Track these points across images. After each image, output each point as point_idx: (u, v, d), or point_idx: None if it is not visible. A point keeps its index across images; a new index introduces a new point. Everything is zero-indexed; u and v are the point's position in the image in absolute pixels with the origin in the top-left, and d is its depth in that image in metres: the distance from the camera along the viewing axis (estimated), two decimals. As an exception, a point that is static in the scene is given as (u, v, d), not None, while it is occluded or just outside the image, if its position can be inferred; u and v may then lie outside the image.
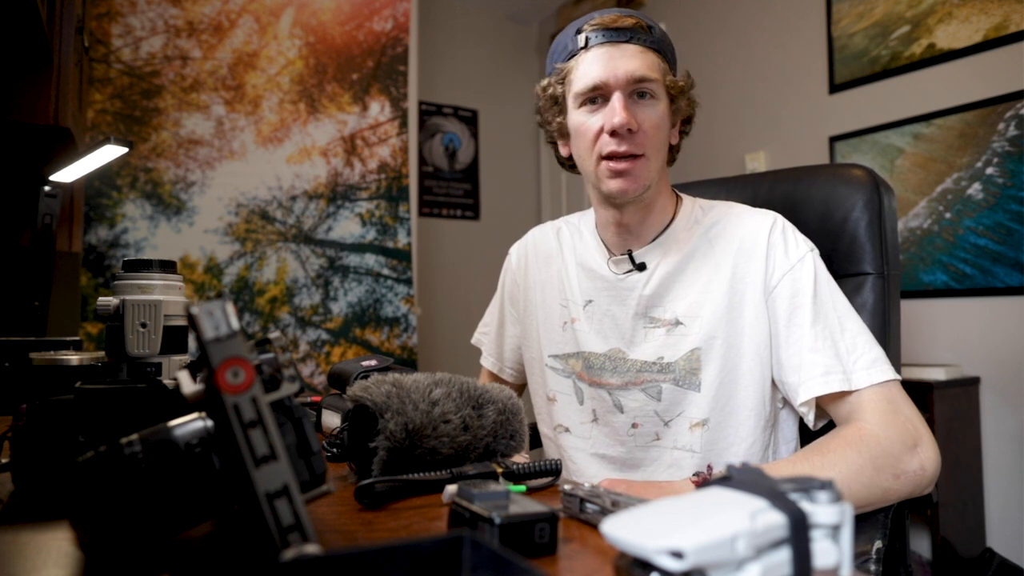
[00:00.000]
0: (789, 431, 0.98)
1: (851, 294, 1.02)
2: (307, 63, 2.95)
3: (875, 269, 1.02)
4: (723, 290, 0.94)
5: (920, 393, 2.18)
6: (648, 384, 0.97)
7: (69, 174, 1.68)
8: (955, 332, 2.37)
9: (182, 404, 0.48)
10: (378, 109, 3.08)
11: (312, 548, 0.40)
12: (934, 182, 2.42)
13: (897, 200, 1.09)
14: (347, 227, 2.99)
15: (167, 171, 2.68)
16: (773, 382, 0.93)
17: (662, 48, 0.95)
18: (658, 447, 0.97)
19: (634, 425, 0.98)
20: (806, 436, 0.95)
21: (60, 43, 1.64)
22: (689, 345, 0.94)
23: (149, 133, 2.66)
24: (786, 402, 0.95)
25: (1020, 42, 2.22)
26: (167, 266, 0.77)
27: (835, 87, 2.74)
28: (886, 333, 1.01)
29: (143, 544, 0.44)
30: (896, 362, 1.04)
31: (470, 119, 4.14)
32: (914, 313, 2.43)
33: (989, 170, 2.28)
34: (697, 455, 0.94)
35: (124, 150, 1.54)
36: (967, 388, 2.28)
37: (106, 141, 1.52)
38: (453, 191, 4.06)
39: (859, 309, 0.99)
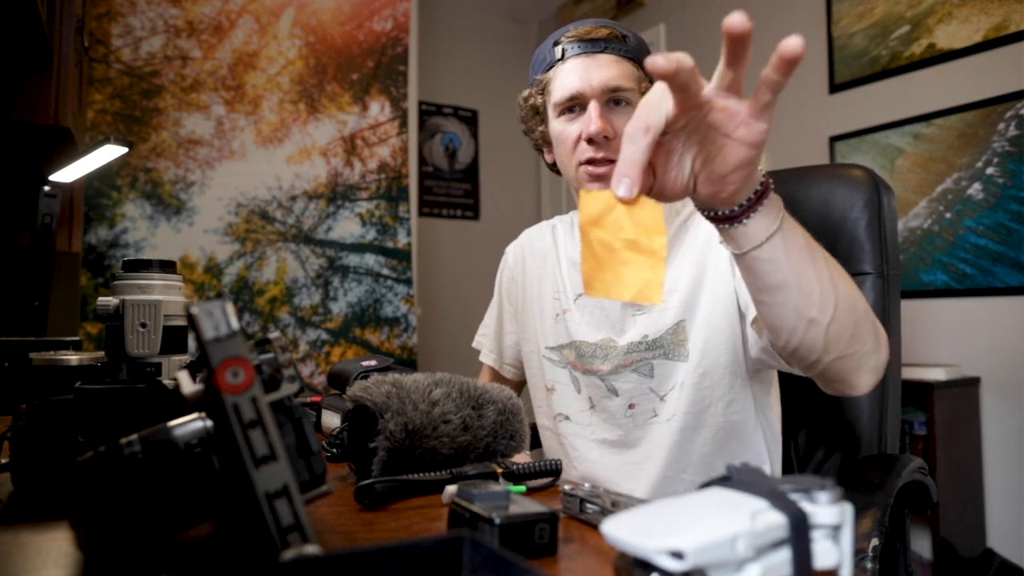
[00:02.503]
0: (773, 394, 1.01)
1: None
2: (307, 63, 2.95)
3: (875, 269, 1.02)
4: (696, 260, 0.97)
5: (920, 393, 2.17)
6: (639, 363, 0.98)
7: (69, 174, 1.68)
8: (955, 332, 2.37)
9: (182, 404, 0.48)
10: (378, 109, 3.08)
11: (312, 548, 0.40)
12: (934, 182, 2.42)
13: (897, 200, 1.09)
14: (347, 227, 2.99)
15: (167, 171, 2.68)
16: (744, 343, 0.94)
17: (637, 56, 0.98)
18: (656, 423, 0.98)
19: (631, 406, 0.99)
20: (795, 423, 0.95)
21: (60, 43, 1.64)
22: (672, 318, 0.97)
23: (149, 133, 2.66)
24: (762, 362, 0.94)
25: (1020, 42, 2.22)
26: (167, 266, 0.77)
27: (835, 87, 2.74)
28: (887, 333, 1.01)
29: (143, 544, 0.44)
30: (897, 362, 1.04)
31: (470, 119, 4.14)
32: (914, 313, 2.43)
33: (989, 170, 2.28)
34: (677, 416, 0.96)
35: (124, 150, 1.54)
36: (967, 388, 2.28)
37: (106, 141, 1.52)
38: (453, 191, 4.06)
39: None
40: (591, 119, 0.94)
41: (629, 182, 0.53)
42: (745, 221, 0.61)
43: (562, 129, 0.99)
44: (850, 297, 0.69)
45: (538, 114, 1.05)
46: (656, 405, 0.98)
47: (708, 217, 0.63)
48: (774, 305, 0.68)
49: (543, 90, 1.02)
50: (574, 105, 0.97)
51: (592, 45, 0.97)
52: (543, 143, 1.08)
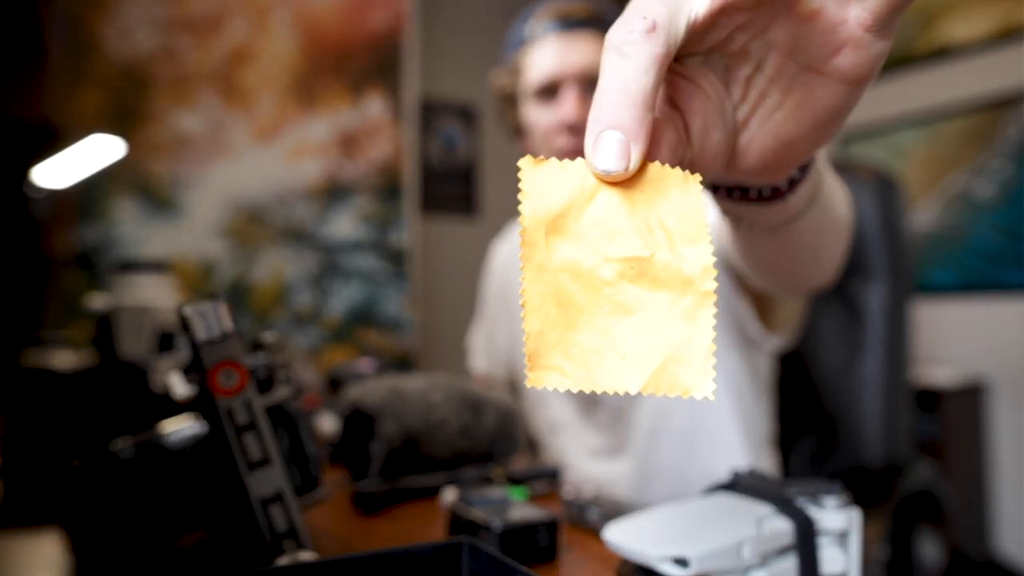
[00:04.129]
0: (756, 394, 0.93)
1: (860, 294, 1.01)
2: (303, 59, 2.94)
3: (884, 268, 1.01)
4: None
5: (928, 394, 2.13)
6: None
7: (60, 173, 1.66)
8: (964, 331, 2.34)
9: (174, 407, 0.47)
10: (376, 106, 3.07)
11: (307, 555, 0.39)
12: (943, 179, 2.40)
13: (906, 198, 1.07)
14: (343, 226, 2.98)
15: (160, 169, 2.67)
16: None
17: None
18: (641, 424, 0.94)
19: (618, 413, 0.95)
20: (785, 415, 0.94)
21: (51, 39, 1.62)
22: None
23: (142, 130, 2.64)
24: (746, 346, 0.89)
25: (1030, 37, 2.19)
26: (159, 266, 0.76)
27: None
28: (896, 333, 1.00)
29: (136, 550, 0.43)
30: (907, 363, 1.02)
31: (470, 116, 4.14)
32: (923, 312, 2.40)
33: (1000, 167, 2.26)
34: (642, 421, 0.92)
35: (116, 148, 1.53)
36: (976, 389, 2.25)
37: (98, 139, 1.51)
38: (453, 190, 4.06)
39: (868, 309, 0.99)
40: (566, 106, 0.87)
41: (622, 139, 0.25)
42: (790, 198, 0.38)
43: (537, 116, 0.92)
44: (851, 207, 0.56)
45: (509, 97, 0.98)
46: (641, 408, 0.95)
47: (723, 197, 0.39)
48: (797, 265, 0.53)
49: (515, 70, 0.95)
50: (550, 90, 0.90)
51: (570, 24, 0.89)
52: (515, 131, 1.00)
